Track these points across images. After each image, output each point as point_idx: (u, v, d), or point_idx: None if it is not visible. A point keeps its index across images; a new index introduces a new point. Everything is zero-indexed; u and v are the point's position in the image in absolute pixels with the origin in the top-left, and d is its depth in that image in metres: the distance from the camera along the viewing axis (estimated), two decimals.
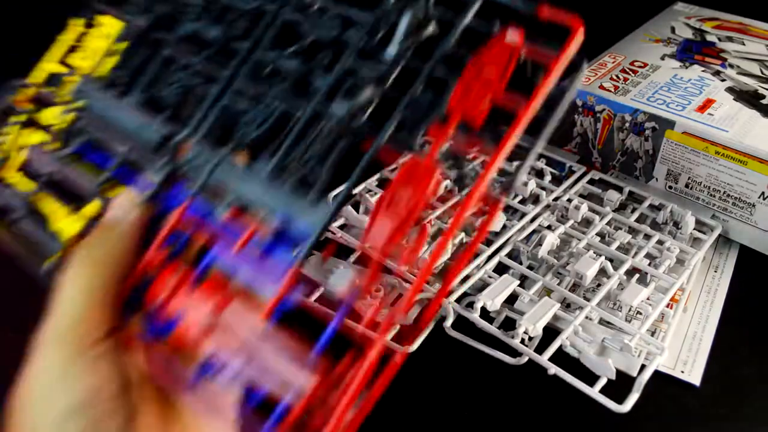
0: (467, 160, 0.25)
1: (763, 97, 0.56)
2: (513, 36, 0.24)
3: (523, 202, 0.56)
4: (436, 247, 0.25)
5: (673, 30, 0.67)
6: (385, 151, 0.25)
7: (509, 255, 0.49)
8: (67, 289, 0.27)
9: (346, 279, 0.25)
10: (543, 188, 0.56)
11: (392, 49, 0.26)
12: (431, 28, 0.26)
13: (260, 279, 0.26)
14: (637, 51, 0.64)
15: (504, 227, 0.52)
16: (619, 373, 0.40)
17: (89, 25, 0.36)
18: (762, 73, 0.60)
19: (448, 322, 0.44)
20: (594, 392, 0.40)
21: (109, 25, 0.35)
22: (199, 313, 0.25)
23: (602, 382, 0.40)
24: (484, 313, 0.44)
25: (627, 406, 0.39)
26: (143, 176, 0.30)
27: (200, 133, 0.29)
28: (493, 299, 0.44)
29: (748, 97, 0.56)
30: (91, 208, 0.32)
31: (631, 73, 0.60)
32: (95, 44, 0.35)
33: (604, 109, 0.57)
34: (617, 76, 0.60)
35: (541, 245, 0.49)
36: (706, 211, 0.54)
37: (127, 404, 0.26)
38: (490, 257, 0.49)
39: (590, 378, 0.40)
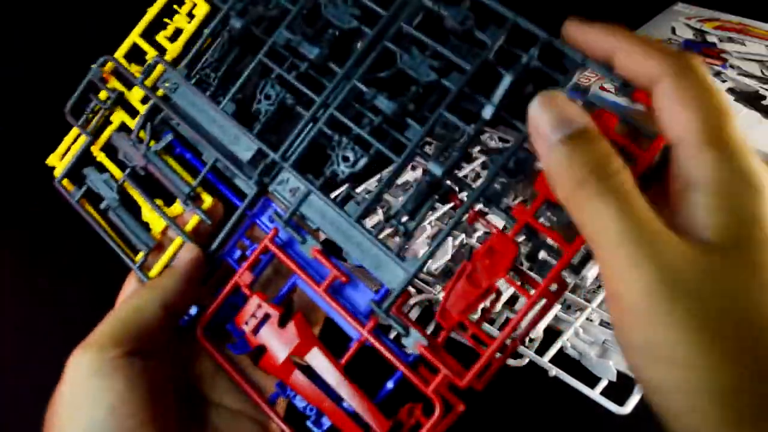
0: (544, 241, 0.25)
1: (764, 97, 0.56)
2: (608, 121, 0.23)
3: (524, 202, 0.55)
4: (516, 318, 0.25)
5: (673, 30, 0.67)
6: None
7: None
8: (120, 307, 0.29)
9: (415, 341, 0.26)
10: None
11: (489, 110, 0.26)
12: (529, 88, 0.26)
13: (344, 323, 0.28)
14: None
15: (504, 228, 0.52)
16: (620, 374, 0.40)
17: (176, 1, 0.35)
18: (762, 73, 0.60)
19: None
20: (595, 394, 0.39)
21: (198, 7, 0.34)
22: (282, 348, 0.28)
23: (603, 383, 0.40)
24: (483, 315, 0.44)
25: (628, 408, 0.38)
26: (234, 183, 0.32)
27: (291, 158, 0.29)
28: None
29: (748, 98, 0.56)
30: (176, 209, 0.33)
31: None
32: (181, 23, 0.34)
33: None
34: None
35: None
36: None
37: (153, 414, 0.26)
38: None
39: (591, 380, 0.40)
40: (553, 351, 0.42)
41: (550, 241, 0.25)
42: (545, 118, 0.22)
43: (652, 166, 0.23)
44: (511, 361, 0.41)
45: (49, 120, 0.79)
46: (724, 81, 0.58)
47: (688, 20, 0.68)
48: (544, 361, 0.41)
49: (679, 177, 0.21)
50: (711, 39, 0.65)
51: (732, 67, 0.61)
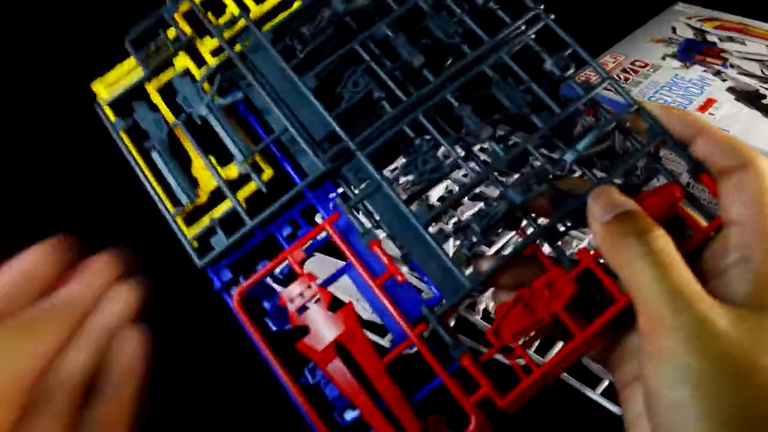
0: (600, 292, 0.26)
1: (764, 97, 0.56)
2: (676, 192, 0.26)
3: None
4: (562, 351, 0.26)
5: (674, 30, 0.67)
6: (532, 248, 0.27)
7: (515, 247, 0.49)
8: None
9: (462, 353, 0.26)
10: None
11: (571, 155, 0.27)
12: (607, 143, 0.28)
13: (390, 321, 0.28)
14: (637, 51, 0.64)
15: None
16: None
17: None
18: (763, 73, 0.60)
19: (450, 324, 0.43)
20: (596, 395, 0.39)
21: None
22: (327, 333, 0.27)
23: (604, 384, 0.40)
24: (486, 315, 0.44)
25: None
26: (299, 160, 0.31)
27: (368, 149, 0.29)
28: (494, 301, 0.43)
29: (749, 97, 0.56)
30: (232, 171, 0.31)
31: (632, 73, 0.60)
32: None
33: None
34: (618, 76, 0.60)
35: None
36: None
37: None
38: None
39: (592, 381, 0.40)
40: (553, 351, 0.42)
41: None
42: (599, 206, 0.26)
43: (704, 241, 0.26)
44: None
45: (49, 120, 0.79)
46: (724, 80, 0.58)
47: (689, 20, 0.68)
48: (545, 361, 0.41)
49: (730, 252, 0.25)
50: (711, 38, 0.65)
51: (732, 66, 0.61)
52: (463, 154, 0.30)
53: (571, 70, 0.29)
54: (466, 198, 0.49)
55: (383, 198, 0.28)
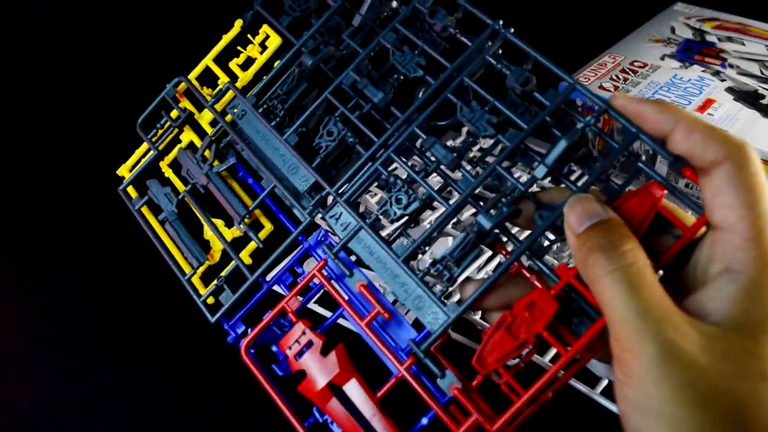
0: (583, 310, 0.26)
1: (763, 97, 0.56)
2: (656, 191, 0.25)
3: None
4: (549, 372, 0.25)
5: (673, 30, 0.67)
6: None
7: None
8: None
9: (450, 384, 0.27)
10: (542, 188, 0.55)
11: (541, 171, 0.27)
12: (581, 152, 0.27)
13: (383, 357, 0.28)
14: (637, 51, 0.63)
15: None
16: None
17: (251, 31, 0.36)
18: (762, 73, 0.60)
19: None
20: (595, 394, 0.39)
21: (270, 39, 0.36)
22: (322, 376, 0.29)
23: (603, 383, 0.40)
24: (485, 314, 0.44)
25: None
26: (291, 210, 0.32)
27: (346, 194, 0.30)
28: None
29: (747, 97, 0.56)
30: (235, 231, 0.34)
31: (631, 73, 0.60)
32: (253, 53, 0.36)
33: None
34: (617, 76, 0.60)
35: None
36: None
37: None
38: (490, 258, 0.49)
39: (592, 380, 0.40)
40: (553, 351, 0.41)
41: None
42: (574, 215, 0.25)
43: (692, 241, 0.24)
44: (511, 362, 0.41)
45: (49, 120, 0.79)
46: (723, 80, 0.58)
47: (688, 20, 0.68)
48: (545, 361, 0.41)
49: (715, 261, 0.23)
50: (710, 38, 0.65)
51: (731, 66, 0.60)
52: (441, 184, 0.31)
53: (532, 83, 0.28)
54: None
55: (366, 239, 0.29)
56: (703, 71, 0.60)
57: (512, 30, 0.30)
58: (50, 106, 0.75)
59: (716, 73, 0.59)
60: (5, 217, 0.62)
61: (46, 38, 0.81)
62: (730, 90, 0.57)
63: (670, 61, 0.61)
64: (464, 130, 0.58)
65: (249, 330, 0.31)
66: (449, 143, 0.51)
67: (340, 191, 0.30)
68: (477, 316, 0.43)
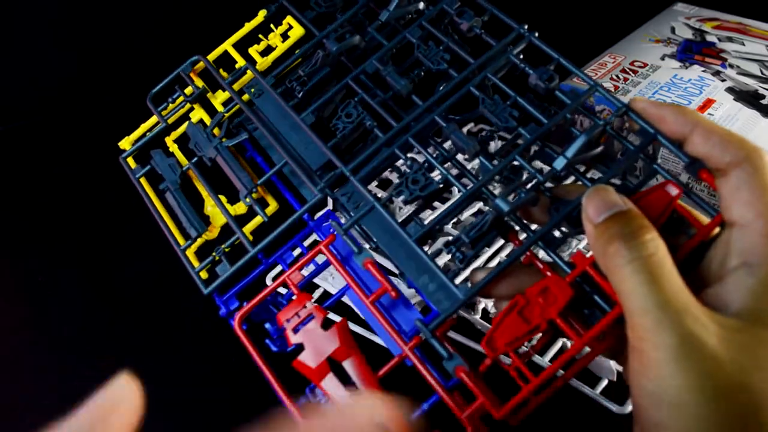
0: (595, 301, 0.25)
1: (763, 97, 0.56)
2: (673, 189, 0.25)
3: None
4: (559, 360, 0.25)
5: (673, 30, 0.67)
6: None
7: (510, 255, 0.49)
8: None
9: (457, 366, 0.26)
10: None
11: (560, 162, 0.27)
12: (598, 149, 0.28)
13: (386, 337, 0.27)
14: (637, 51, 0.63)
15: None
16: (620, 374, 0.40)
17: (274, 20, 0.36)
18: (762, 73, 0.60)
19: None
20: (595, 394, 0.39)
21: (293, 30, 0.36)
22: (320, 350, 0.27)
23: (603, 383, 0.40)
24: (485, 315, 0.44)
25: (628, 408, 0.38)
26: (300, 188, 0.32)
27: (360, 174, 0.30)
28: (496, 309, 0.43)
29: (748, 98, 0.56)
30: (240, 207, 0.33)
31: (631, 73, 0.60)
32: (274, 41, 0.36)
33: (604, 109, 0.56)
34: (617, 76, 0.60)
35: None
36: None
37: None
38: (490, 258, 0.49)
39: (591, 379, 0.40)
40: (553, 350, 0.41)
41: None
42: (592, 206, 0.25)
43: (706, 240, 0.25)
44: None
45: (49, 119, 0.79)
46: (723, 80, 0.58)
47: (688, 20, 0.68)
48: (545, 360, 0.41)
49: (732, 256, 0.23)
50: (710, 38, 0.65)
51: (731, 66, 0.60)
52: (456, 172, 0.30)
53: (555, 81, 0.29)
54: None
55: (377, 218, 0.29)
56: (703, 71, 0.60)
57: (536, 34, 0.31)
58: (50, 106, 0.74)
59: (716, 73, 0.59)
60: (5, 217, 0.62)
61: (52, 22, 0.80)
62: (730, 90, 0.57)
63: (670, 61, 0.61)
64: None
65: (245, 303, 0.29)
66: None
67: (354, 171, 0.30)
68: (477, 316, 0.43)
